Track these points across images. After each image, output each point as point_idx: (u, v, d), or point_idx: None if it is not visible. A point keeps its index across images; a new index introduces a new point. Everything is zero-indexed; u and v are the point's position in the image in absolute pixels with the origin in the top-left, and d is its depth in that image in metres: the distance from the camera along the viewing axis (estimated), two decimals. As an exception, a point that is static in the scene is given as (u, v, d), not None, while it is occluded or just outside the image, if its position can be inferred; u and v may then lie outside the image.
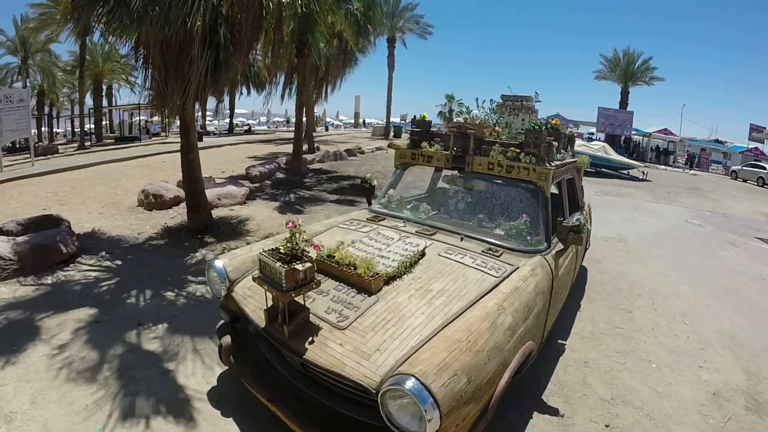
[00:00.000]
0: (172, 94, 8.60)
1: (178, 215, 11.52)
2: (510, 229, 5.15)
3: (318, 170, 19.57)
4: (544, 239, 5.04)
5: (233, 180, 15.22)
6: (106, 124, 45.69)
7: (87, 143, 33.06)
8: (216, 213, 11.36)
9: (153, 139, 36.81)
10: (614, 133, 50.00)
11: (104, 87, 46.09)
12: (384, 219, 5.76)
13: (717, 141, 61.20)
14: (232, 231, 10.54)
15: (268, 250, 3.74)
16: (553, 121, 6.72)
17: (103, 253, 8.83)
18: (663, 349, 6.72)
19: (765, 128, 47.60)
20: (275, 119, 54.57)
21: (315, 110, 27.36)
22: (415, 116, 7.10)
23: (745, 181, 38.47)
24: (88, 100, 39.11)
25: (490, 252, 4.73)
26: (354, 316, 3.63)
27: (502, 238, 5.10)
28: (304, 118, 20.14)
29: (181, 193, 12.38)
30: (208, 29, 8.23)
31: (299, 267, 3.50)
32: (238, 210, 12.34)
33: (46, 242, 8.04)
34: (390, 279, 4.08)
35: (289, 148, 26.84)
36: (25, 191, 15.07)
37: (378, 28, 22.35)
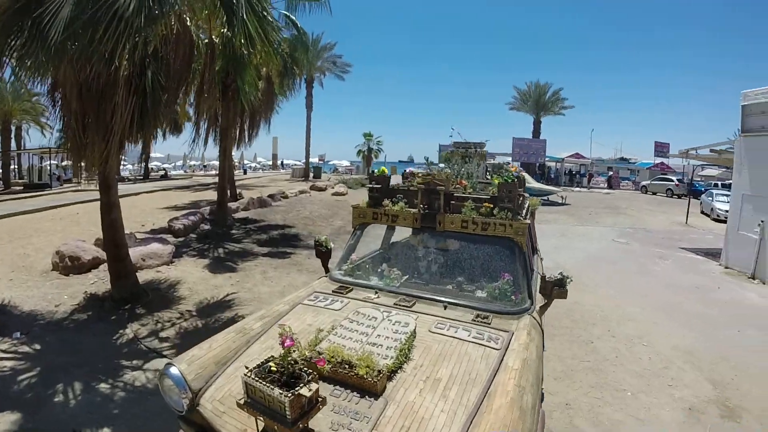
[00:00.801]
0: (93, 145, 7.57)
1: (98, 280, 10.35)
2: (493, 291, 4.83)
3: (244, 220, 18.48)
4: (527, 296, 4.76)
5: (155, 235, 14.00)
6: (14, 168, 42.52)
7: None
8: (141, 276, 10.25)
9: (65, 186, 34.22)
10: (529, 161, 52.53)
11: (13, 128, 42.97)
12: (351, 289, 5.11)
13: (622, 159, 64.92)
14: (163, 298, 9.52)
15: (255, 368, 3.02)
16: (513, 168, 6.64)
17: (18, 334, 7.65)
18: (632, 376, 7.08)
19: (668, 144, 51.29)
20: (191, 163, 52.58)
21: (233, 153, 26.31)
22: (373, 171, 6.54)
23: (654, 193, 41.99)
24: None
25: (480, 319, 4.38)
26: (366, 430, 2.98)
27: (486, 301, 4.77)
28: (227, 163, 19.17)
29: (101, 253, 11.25)
30: (135, 71, 7.38)
31: (305, 392, 2.83)
32: (166, 271, 11.24)
33: None
34: (391, 372, 3.50)
35: (209, 195, 25.77)
36: None
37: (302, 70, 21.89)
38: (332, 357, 3.44)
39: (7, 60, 7.17)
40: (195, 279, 10.85)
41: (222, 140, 17.20)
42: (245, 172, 52.81)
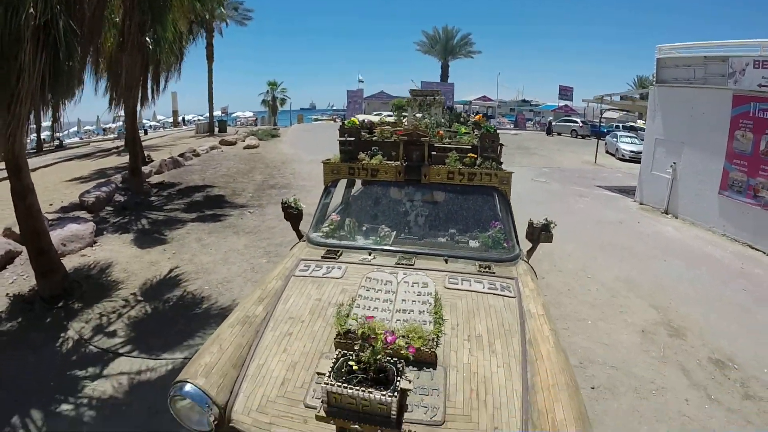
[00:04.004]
0: None
1: (18, 277, 8.67)
2: (487, 240, 4.84)
3: (160, 184, 16.70)
4: (516, 243, 4.86)
5: (67, 213, 12.10)
6: None
7: None
8: (66, 264, 8.46)
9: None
10: None
11: None
12: (341, 253, 4.66)
13: (524, 101, 66.24)
14: (99, 287, 8.17)
15: (332, 372, 2.61)
16: (478, 117, 6.60)
17: None
18: (586, 306, 7.69)
19: (572, 88, 52.54)
20: (86, 128, 47.94)
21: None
22: (343, 122, 6.01)
23: (560, 134, 43.35)
24: None
25: (484, 270, 4.34)
26: (441, 402, 2.83)
27: (482, 251, 4.75)
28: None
29: (14, 245, 9.62)
30: (42, 21, 5.75)
31: (406, 385, 2.58)
32: (91, 254, 9.67)
33: None
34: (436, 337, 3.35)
35: (113, 161, 23.51)
36: None
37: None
38: (381, 333, 2.96)
39: None
40: (126, 258, 9.49)
41: (127, 99, 15.14)
42: (146, 132, 48.83)
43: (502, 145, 5.38)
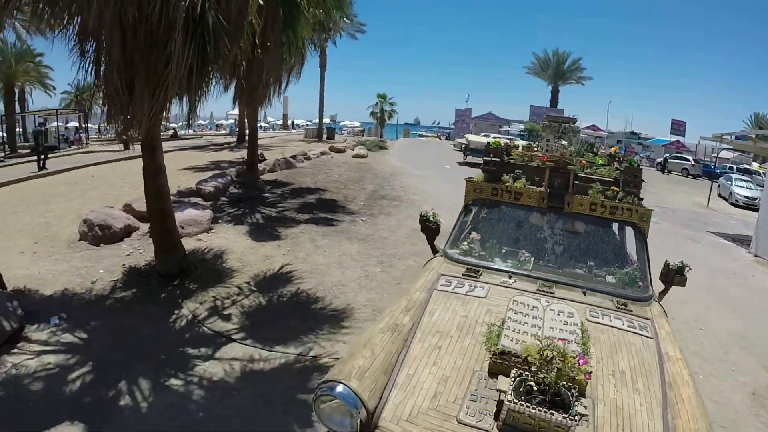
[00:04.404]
0: (142, 100, 6.25)
1: (134, 251, 9.19)
2: (623, 276, 4.70)
3: (274, 182, 17.13)
4: (650, 283, 4.69)
5: (184, 198, 12.80)
6: (19, 131, 41.13)
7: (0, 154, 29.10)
8: (184, 246, 8.80)
9: (73, 147, 32.84)
10: None
11: (16, 91, 41.45)
12: (481, 272, 4.63)
13: (633, 133, 63.07)
14: (213, 272, 8.41)
15: (513, 391, 2.72)
16: (613, 150, 6.62)
17: (56, 319, 6.50)
18: (699, 359, 7.14)
19: (685, 123, 49.81)
20: (200, 122, 50.50)
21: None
22: (488, 143, 6.09)
23: (670, 172, 40.63)
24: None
25: (621, 306, 4.25)
26: None
27: (618, 287, 4.60)
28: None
29: (132, 221, 10.21)
30: (191, 14, 6.02)
31: (583, 410, 2.72)
32: (207, 240, 10.05)
33: None
34: None
35: (226, 155, 24.47)
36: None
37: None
38: (531, 355, 3.01)
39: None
40: (241, 248, 9.70)
41: (251, 98, 15.66)
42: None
43: (643, 180, 5.31)
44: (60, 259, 8.85)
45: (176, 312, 6.96)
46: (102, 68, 6.54)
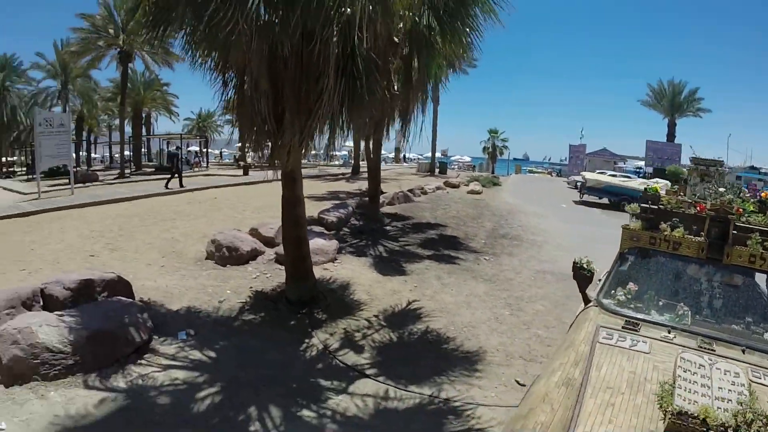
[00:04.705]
0: (292, 130, 6.46)
1: (261, 274, 9.33)
2: None
3: (393, 215, 17.20)
4: None
5: (307, 227, 12.89)
6: (144, 152, 44.88)
7: (126, 171, 31.64)
8: None
9: (195, 170, 34.97)
10: (663, 167, 47.75)
11: (143, 116, 45.79)
12: (640, 326, 4.54)
13: (752, 168, 57.97)
14: (342, 303, 8.31)
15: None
16: (764, 195, 6.22)
17: (184, 335, 6.60)
18: None
19: None
20: (313, 152, 52.46)
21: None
22: (645, 188, 6.24)
23: None
24: (126, 128, 38.43)
25: None
26: None
27: None
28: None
29: (258, 244, 10.51)
30: (341, 50, 6.24)
31: None
32: (333, 269, 10.03)
33: (110, 328, 5.80)
34: None
35: (342, 186, 24.95)
36: (66, 227, 13.17)
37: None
38: (708, 417, 3.04)
39: (182, 36, 6.76)
40: (368, 281, 9.61)
41: (376, 131, 15.77)
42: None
43: None
44: (187, 276, 9.10)
45: (306, 341, 6.88)
46: (246, 97, 6.78)
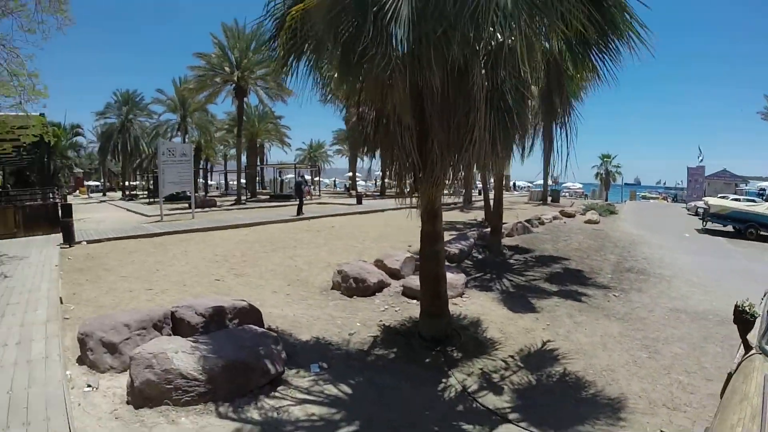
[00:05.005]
0: (442, 164, 6.42)
1: (389, 307, 9.22)
2: None
3: (514, 248, 16.72)
4: None
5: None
6: (258, 180, 47.30)
7: (242, 198, 33.38)
8: None
9: (306, 198, 36.04)
10: None
11: (257, 145, 48.64)
12: None
13: None
14: (474, 340, 7.99)
15: None
16: None
17: (317, 367, 6.53)
18: None
19: None
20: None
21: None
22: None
23: None
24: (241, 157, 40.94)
25: None
26: None
27: None
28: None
29: (385, 277, 10.45)
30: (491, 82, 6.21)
31: None
32: (462, 304, 9.75)
33: (246, 358, 5.81)
34: None
35: (457, 216, 24.70)
36: (190, 250, 13.73)
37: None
38: None
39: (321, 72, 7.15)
40: (499, 318, 9.23)
41: (496, 163, 15.47)
42: (480, 193, 51.73)
43: None
44: (313, 305, 9.16)
45: (443, 380, 6.59)
46: (390, 132, 6.69)
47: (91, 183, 69.42)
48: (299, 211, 23.26)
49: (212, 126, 47.65)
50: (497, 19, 5.05)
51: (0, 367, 5.66)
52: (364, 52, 5.54)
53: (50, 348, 6.18)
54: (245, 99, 37.35)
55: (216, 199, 34.84)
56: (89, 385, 5.58)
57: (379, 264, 11.13)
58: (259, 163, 48.93)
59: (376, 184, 51.72)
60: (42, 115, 14.20)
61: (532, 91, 9.19)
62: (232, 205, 31.38)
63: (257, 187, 44.57)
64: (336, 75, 7.11)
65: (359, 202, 29.56)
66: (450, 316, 8.18)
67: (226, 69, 34.72)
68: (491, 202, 18.83)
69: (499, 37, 5.83)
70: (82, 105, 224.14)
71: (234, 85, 35.20)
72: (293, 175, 42.48)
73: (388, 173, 7.12)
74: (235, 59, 35.03)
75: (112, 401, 5.31)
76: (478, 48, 5.95)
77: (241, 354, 5.80)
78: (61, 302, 8.34)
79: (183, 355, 5.46)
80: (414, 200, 7.33)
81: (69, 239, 14.67)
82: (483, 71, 5.99)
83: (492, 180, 19.56)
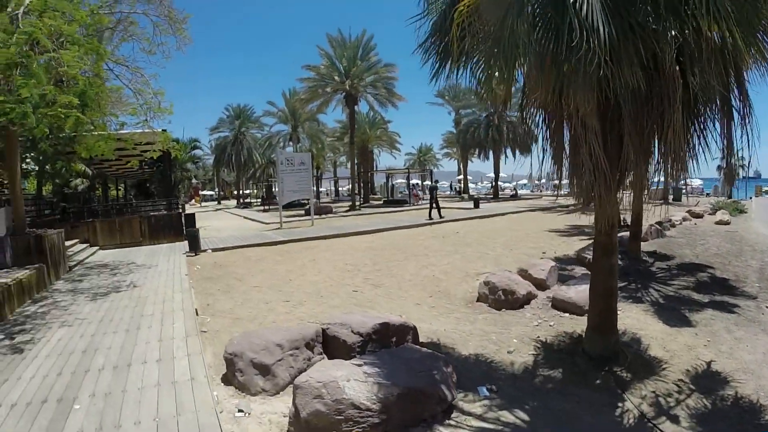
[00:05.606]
0: (637, 170, 6.41)
1: (542, 321, 9.00)
2: None
3: (653, 253, 15.96)
4: None
5: (567, 266, 12.55)
6: (369, 186, 48.68)
7: (356, 204, 34.42)
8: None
9: (415, 203, 36.44)
10: None
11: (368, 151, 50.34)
12: None
13: None
14: (640, 359, 7.66)
15: None
16: None
17: (485, 390, 6.33)
18: None
19: None
20: (536, 182, 51.58)
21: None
22: None
23: None
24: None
25: None
26: None
27: None
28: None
29: (532, 288, 10.25)
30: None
31: None
32: (620, 318, 9.12)
33: (421, 385, 5.49)
34: None
35: (575, 219, 23.85)
36: (318, 258, 14.12)
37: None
38: None
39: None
40: (657, 333, 8.80)
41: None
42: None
43: None
44: (462, 319, 9.10)
45: (619, 405, 6.34)
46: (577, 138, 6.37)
47: (205, 192, 73.85)
48: (437, 214, 24.19)
49: (323, 134, 49.51)
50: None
51: (143, 388, 5.63)
52: (559, 50, 5.21)
53: (195, 368, 6.14)
54: (355, 106, 38.32)
55: (331, 205, 35.83)
56: (240, 410, 5.42)
57: (524, 274, 10.91)
58: (369, 169, 50.18)
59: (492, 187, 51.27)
60: (164, 131, 15.32)
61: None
62: (347, 211, 32.36)
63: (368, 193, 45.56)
64: (526, 76, 6.98)
65: (476, 206, 29.38)
66: (618, 333, 7.88)
67: (336, 78, 35.87)
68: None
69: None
70: (197, 123, 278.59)
71: (344, 93, 36.30)
72: (402, 180, 43.05)
73: (576, 184, 6.71)
74: (343, 68, 36.06)
75: (269, 429, 5.18)
76: (678, 42, 5.66)
77: (415, 380, 5.53)
78: (197, 314, 8.65)
79: (355, 383, 5.20)
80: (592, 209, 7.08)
81: (195, 248, 15.74)
82: (677, 68, 5.70)
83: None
